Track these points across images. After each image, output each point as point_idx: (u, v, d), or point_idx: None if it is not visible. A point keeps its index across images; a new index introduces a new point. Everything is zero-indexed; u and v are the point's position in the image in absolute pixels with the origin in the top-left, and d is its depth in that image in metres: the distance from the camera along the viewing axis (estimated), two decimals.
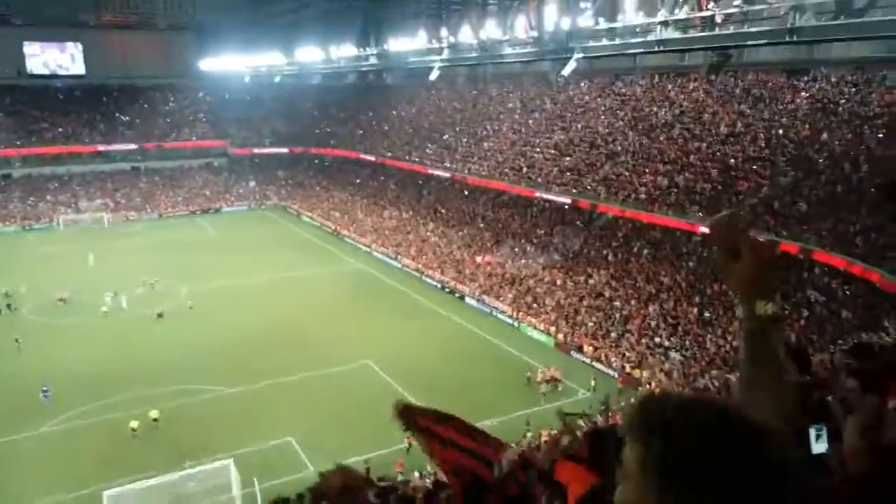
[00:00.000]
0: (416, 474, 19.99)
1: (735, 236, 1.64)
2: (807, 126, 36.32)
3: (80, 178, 72.26)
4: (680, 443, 1.02)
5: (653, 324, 33.04)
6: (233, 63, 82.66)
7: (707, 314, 32.13)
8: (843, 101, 36.50)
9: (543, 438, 21.32)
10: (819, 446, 3.29)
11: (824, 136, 34.98)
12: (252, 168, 79.59)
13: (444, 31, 59.08)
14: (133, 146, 75.72)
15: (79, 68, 78.79)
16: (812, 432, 3.41)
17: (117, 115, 78.24)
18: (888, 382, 4.96)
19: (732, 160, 37.93)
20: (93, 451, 24.86)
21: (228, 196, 75.18)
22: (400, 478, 20.25)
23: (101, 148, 74.45)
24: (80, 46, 78.50)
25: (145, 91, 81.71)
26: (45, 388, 28.61)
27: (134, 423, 26.04)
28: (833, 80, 38.38)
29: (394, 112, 75.24)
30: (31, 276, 44.99)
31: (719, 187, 36.78)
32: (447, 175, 57.99)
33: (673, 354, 30.35)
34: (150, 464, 23.10)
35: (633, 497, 1.08)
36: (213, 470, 22.52)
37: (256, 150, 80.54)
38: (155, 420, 26.52)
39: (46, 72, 77.33)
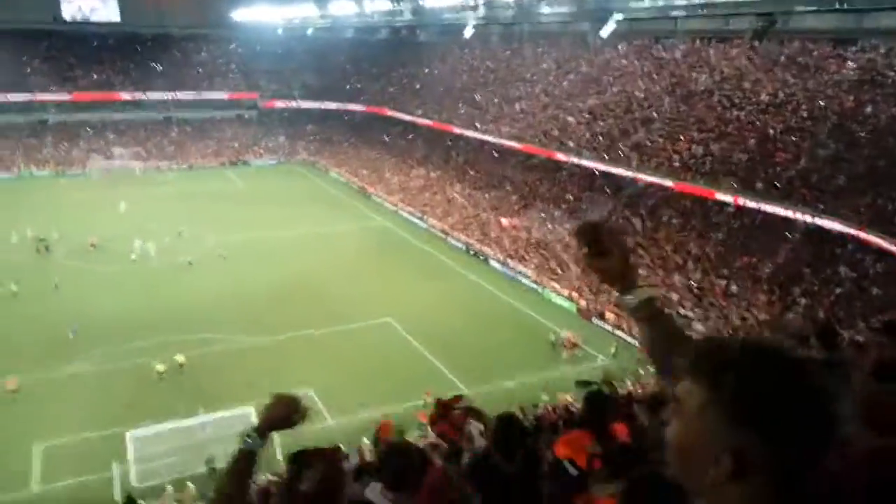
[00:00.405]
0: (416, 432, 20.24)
1: (603, 238, 1.92)
2: (851, 98, 34.97)
3: (113, 126, 72.93)
4: (752, 381, 1.08)
5: (678, 295, 32.63)
6: (266, 14, 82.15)
7: (735, 287, 31.60)
8: (891, 73, 34.98)
9: (562, 404, 21.32)
10: None
11: (869, 108, 33.67)
12: (281, 122, 79.52)
13: None
14: (165, 96, 76.02)
15: (113, 15, 78.75)
16: None
17: (151, 63, 78.41)
18: None
19: (771, 130, 36.79)
20: (119, 393, 25.55)
21: (258, 149, 75.38)
22: (418, 432, 20.57)
23: (134, 96, 74.86)
24: None
25: (178, 40, 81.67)
26: (74, 327, 29.58)
27: (160, 367, 26.75)
28: (882, 50, 36.75)
29: (426, 70, 74.21)
30: (64, 222, 45.82)
31: (756, 158, 35.78)
32: (477, 136, 57.33)
33: (697, 326, 30.00)
34: (173, 408, 23.66)
35: (693, 435, 1.14)
36: (235, 416, 22.99)
37: (287, 104, 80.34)
38: (181, 365, 27.21)
39: (80, 17, 77.51)
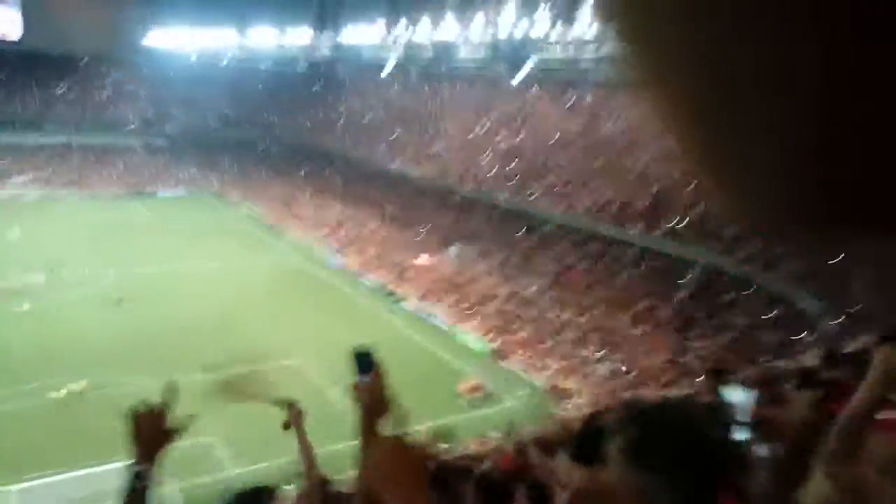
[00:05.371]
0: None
1: None
2: None
3: (10, 149, 68.49)
4: (642, 435, 1.31)
5: (584, 335, 33.55)
6: (179, 39, 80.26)
7: (639, 329, 32.84)
8: None
9: (472, 447, 21.31)
10: None
11: None
12: (193, 152, 77.04)
13: (402, 21, 58.89)
14: (67, 119, 72.35)
15: (15, 32, 74.69)
16: None
17: (53, 84, 74.62)
18: None
19: (673, 176, 38.83)
20: (5, 441, 23.64)
21: (167, 178, 72.64)
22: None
23: (33, 118, 70.80)
24: (17, 8, 74.42)
25: (84, 62, 78.23)
26: None
27: (59, 394, 26.25)
28: None
29: (344, 104, 74.26)
30: None
31: (660, 201, 37.69)
32: (395, 173, 57.62)
33: (603, 366, 30.90)
34: (64, 458, 22.16)
35: (614, 477, 1.35)
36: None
37: (199, 134, 78.10)
38: (80, 393, 26.57)
39: None
